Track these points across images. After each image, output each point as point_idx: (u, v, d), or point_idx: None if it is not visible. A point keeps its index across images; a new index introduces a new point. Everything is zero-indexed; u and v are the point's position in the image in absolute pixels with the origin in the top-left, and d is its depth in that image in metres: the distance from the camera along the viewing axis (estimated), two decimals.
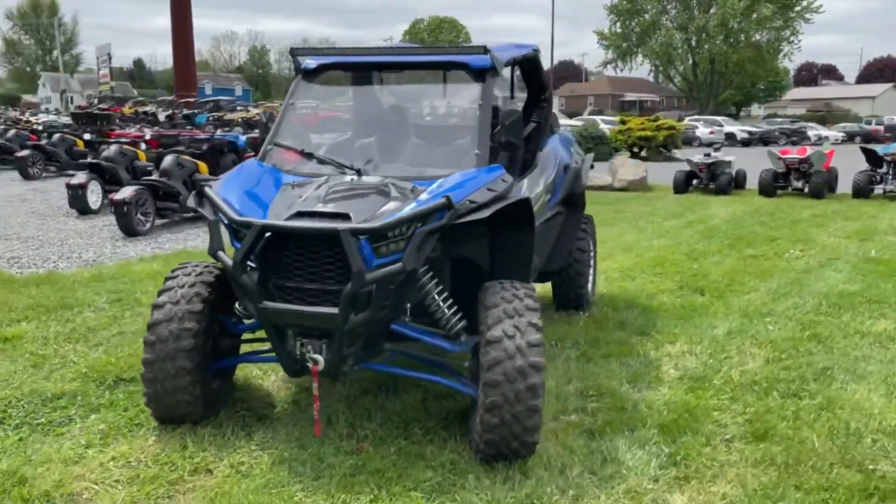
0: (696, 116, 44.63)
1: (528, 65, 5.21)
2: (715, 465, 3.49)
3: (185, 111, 40.03)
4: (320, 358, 3.42)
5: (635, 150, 24.23)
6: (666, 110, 52.16)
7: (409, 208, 3.38)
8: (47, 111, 28.56)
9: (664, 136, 24.38)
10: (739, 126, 42.53)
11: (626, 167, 15.66)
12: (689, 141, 33.65)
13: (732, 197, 13.98)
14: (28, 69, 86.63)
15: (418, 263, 3.33)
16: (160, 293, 3.77)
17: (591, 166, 6.41)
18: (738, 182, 14.95)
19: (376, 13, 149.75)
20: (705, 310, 6.05)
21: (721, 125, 39.56)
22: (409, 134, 4.45)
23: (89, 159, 13.09)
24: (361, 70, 4.51)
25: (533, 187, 4.54)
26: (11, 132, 20.45)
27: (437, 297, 3.63)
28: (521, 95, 5.44)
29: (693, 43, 57.63)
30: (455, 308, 3.67)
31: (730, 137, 37.92)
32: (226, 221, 3.53)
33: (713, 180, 14.54)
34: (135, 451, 3.59)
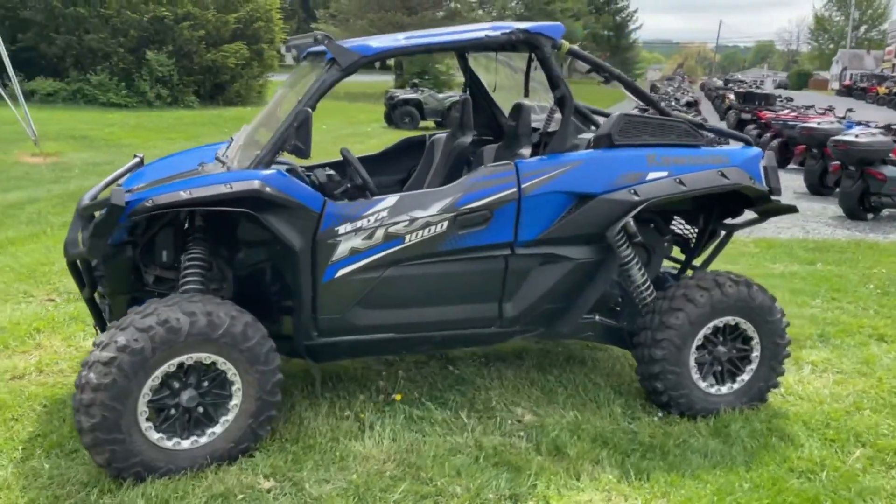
0: None
1: (535, 53, 3.96)
2: None
3: None
4: (106, 321, 3.86)
5: None
6: None
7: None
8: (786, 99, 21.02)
9: None
10: None
11: None
12: None
13: None
14: (831, 46, 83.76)
15: (89, 252, 3.35)
16: None
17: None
18: None
19: None
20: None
21: None
22: (265, 128, 4.04)
23: None
24: (308, 59, 4.24)
25: (404, 209, 3.59)
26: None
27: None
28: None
29: None
30: None
31: None
32: None
33: None
34: (61, 361, 4.57)
